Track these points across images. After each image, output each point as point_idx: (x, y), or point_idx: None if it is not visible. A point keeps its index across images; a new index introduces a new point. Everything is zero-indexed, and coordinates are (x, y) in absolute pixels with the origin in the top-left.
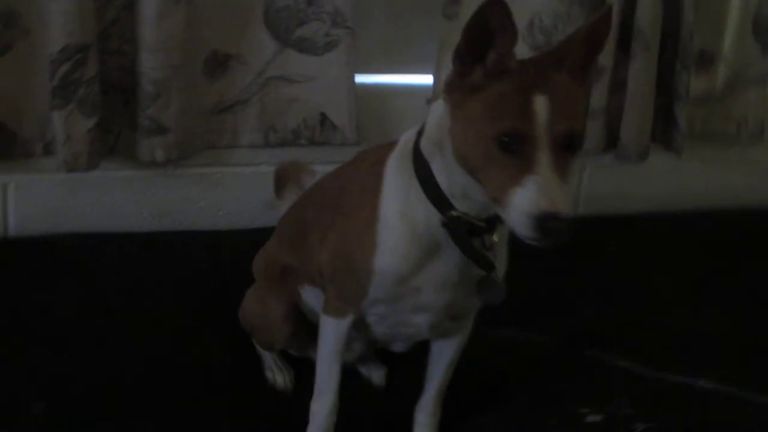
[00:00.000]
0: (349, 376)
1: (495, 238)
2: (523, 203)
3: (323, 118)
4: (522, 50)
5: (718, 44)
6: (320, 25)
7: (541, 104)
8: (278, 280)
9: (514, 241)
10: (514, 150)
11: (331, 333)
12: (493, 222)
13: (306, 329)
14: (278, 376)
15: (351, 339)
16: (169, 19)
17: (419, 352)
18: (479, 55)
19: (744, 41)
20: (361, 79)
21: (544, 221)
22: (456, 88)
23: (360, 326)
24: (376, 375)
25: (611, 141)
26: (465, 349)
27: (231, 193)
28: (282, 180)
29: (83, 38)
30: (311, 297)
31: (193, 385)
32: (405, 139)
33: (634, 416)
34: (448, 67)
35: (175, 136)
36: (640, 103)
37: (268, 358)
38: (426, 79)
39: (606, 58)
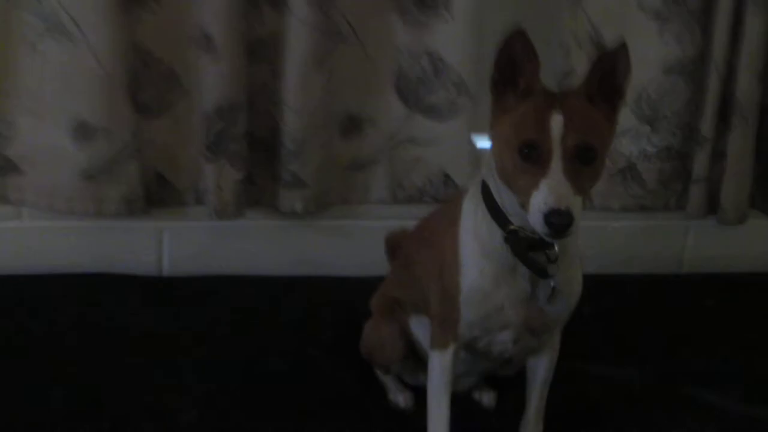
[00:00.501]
0: (462, 400)
1: (556, 249)
2: (538, 203)
3: (446, 177)
4: (629, 121)
5: None
6: (446, 93)
7: (556, 120)
8: (389, 310)
9: None
10: (533, 159)
11: (438, 365)
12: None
13: (416, 357)
14: (399, 396)
15: (460, 374)
16: (310, 85)
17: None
18: (511, 82)
19: None
20: (481, 141)
21: (551, 216)
22: (494, 112)
23: (465, 360)
24: (486, 398)
25: (713, 206)
26: (566, 377)
27: (361, 244)
28: (392, 247)
29: (235, 99)
30: (418, 327)
31: (329, 408)
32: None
33: None
34: None
35: (312, 190)
36: (739, 171)
37: (389, 382)
38: None
39: (707, 129)
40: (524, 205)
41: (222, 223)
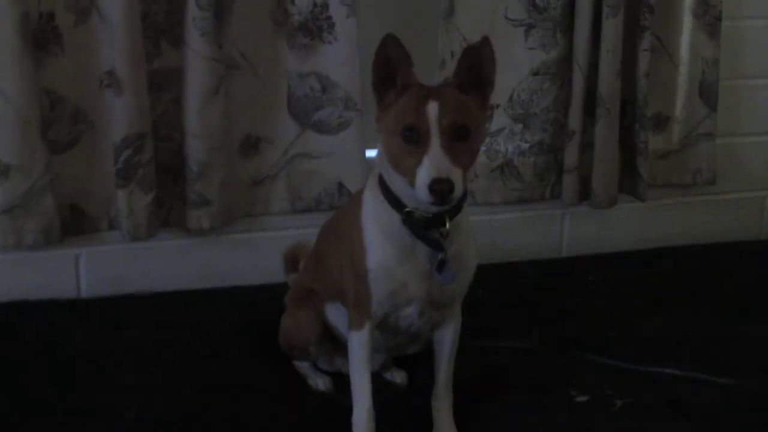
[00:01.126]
0: (376, 382)
1: (447, 227)
2: (422, 176)
3: (340, 186)
4: (503, 121)
5: (672, 107)
6: (334, 109)
7: (432, 106)
8: (304, 298)
9: None
10: (414, 140)
11: (357, 344)
12: (441, 215)
13: (333, 344)
14: (319, 380)
15: (373, 351)
16: (209, 110)
17: (431, 354)
18: (389, 82)
19: (693, 104)
20: (370, 152)
21: (434, 185)
22: (378, 109)
23: (377, 338)
24: (398, 376)
25: (585, 193)
26: (467, 353)
27: (266, 253)
28: (289, 261)
29: (141, 128)
30: (333, 313)
31: (252, 402)
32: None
33: (614, 395)
34: None
35: (217, 207)
36: (607, 160)
37: (307, 369)
38: None
39: (575, 123)
40: (412, 183)
41: (135, 245)
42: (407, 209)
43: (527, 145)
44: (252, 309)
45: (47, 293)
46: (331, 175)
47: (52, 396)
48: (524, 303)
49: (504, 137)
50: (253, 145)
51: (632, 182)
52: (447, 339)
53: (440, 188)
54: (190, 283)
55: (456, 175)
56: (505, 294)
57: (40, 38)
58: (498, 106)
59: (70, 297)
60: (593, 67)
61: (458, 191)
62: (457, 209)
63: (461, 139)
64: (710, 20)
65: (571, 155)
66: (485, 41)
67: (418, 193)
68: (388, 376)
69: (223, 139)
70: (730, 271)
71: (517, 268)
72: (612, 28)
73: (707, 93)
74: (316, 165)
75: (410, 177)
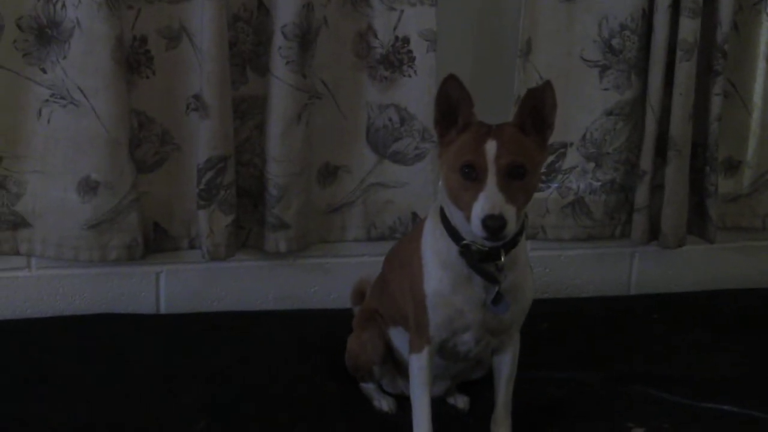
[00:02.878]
0: (439, 406)
1: (503, 260)
2: (476, 211)
3: (414, 215)
4: (576, 159)
5: (743, 152)
6: (411, 140)
7: (490, 145)
8: (369, 320)
9: None
10: (472, 177)
11: (417, 367)
12: (496, 250)
13: (396, 367)
14: (383, 401)
15: (435, 376)
16: (290, 137)
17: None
18: (451, 120)
19: (764, 149)
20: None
21: (487, 220)
22: (440, 146)
23: (438, 365)
24: (461, 401)
25: (654, 233)
26: (528, 382)
27: (340, 279)
28: (357, 294)
29: (224, 151)
30: (396, 337)
31: (318, 422)
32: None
33: (671, 429)
34: None
35: (295, 231)
36: (676, 201)
37: (372, 390)
38: None
39: (646, 163)
40: (468, 217)
41: (213, 265)
42: (464, 242)
43: (599, 183)
44: (323, 332)
45: (128, 307)
46: (405, 204)
47: (123, 408)
48: (588, 337)
49: (576, 175)
50: (331, 173)
51: (701, 224)
52: (505, 365)
53: (493, 224)
54: (264, 304)
55: (510, 212)
56: (570, 328)
57: (133, 61)
58: (571, 144)
59: (149, 312)
60: (666, 109)
61: (511, 228)
62: (513, 243)
63: (517, 177)
64: None
65: (641, 195)
66: (547, 84)
67: (473, 228)
68: (451, 400)
69: (302, 166)
70: None
71: (584, 304)
72: (685, 72)
73: None
74: (391, 194)
75: (467, 211)
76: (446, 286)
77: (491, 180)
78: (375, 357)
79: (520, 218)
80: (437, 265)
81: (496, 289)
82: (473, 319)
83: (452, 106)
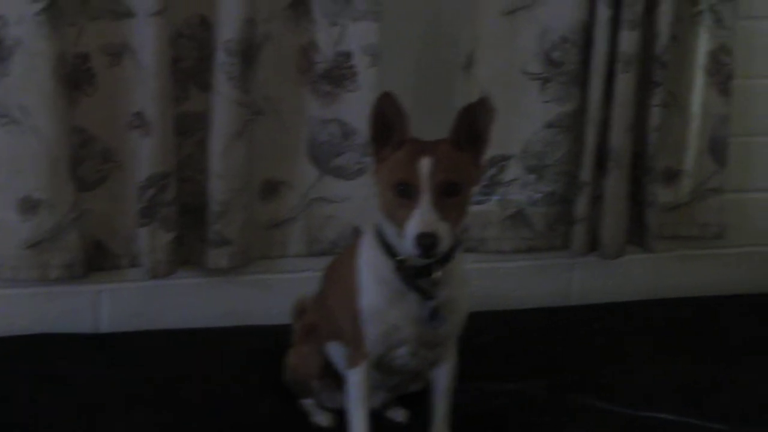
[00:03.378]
0: (378, 420)
1: (438, 275)
2: (410, 229)
3: (356, 230)
4: (517, 171)
5: (682, 162)
6: (353, 154)
7: (425, 162)
8: (308, 333)
9: None
10: (406, 194)
11: (353, 382)
12: (430, 265)
13: (335, 382)
14: (321, 416)
15: (373, 388)
16: (232, 153)
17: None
18: (386, 137)
19: (703, 159)
20: None
21: (420, 238)
22: (375, 162)
23: (376, 377)
24: (399, 415)
25: (594, 243)
26: (469, 395)
27: (281, 295)
28: (298, 311)
29: (165, 168)
30: (335, 351)
31: None
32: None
33: None
34: None
35: (236, 247)
36: (616, 212)
37: (310, 405)
38: None
39: (586, 175)
40: (401, 235)
41: (155, 282)
42: (399, 257)
43: (539, 195)
44: (265, 348)
45: (69, 327)
46: (347, 219)
47: (64, 429)
48: (530, 349)
49: (517, 187)
50: (273, 189)
51: (640, 234)
52: (443, 377)
53: (426, 242)
54: (207, 321)
55: (443, 229)
56: (512, 340)
57: (75, 78)
58: (512, 156)
59: (90, 331)
60: (605, 120)
61: (444, 245)
62: (448, 258)
63: (451, 195)
64: (722, 78)
65: (581, 206)
66: (483, 100)
67: (406, 245)
68: (389, 414)
69: (244, 182)
70: (734, 324)
71: (525, 316)
72: (624, 83)
73: (717, 148)
74: (333, 209)
75: (401, 228)
76: (381, 302)
77: (425, 198)
78: (314, 371)
79: (455, 234)
80: (373, 280)
81: (432, 304)
82: (409, 333)
83: (387, 123)
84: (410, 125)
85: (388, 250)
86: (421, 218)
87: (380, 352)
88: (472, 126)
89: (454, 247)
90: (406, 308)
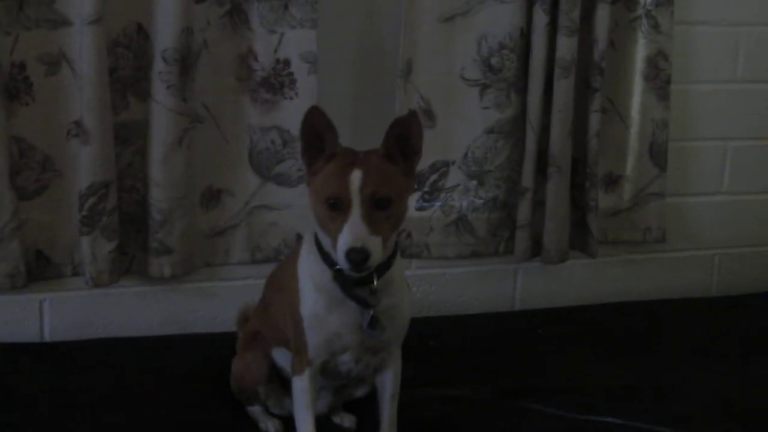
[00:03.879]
0: (325, 426)
1: (375, 284)
2: (340, 243)
3: (299, 237)
4: (458, 177)
5: (622, 167)
6: (294, 162)
7: (355, 175)
8: (251, 340)
9: None
10: (337, 208)
11: (299, 388)
12: (369, 274)
13: (282, 387)
14: (269, 423)
15: (318, 391)
16: (172, 161)
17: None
18: (318, 149)
19: (643, 164)
20: None
21: (350, 253)
22: (308, 174)
23: (321, 380)
24: (347, 420)
25: (537, 249)
26: (415, 401)
27: (225, 302)
28: (242, 320)
29: (106, 177)
30: (280, 357)
31: None
32: None
33: None
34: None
35: (179, 255)
36: (558, 217)
37: (258, 413)
38: None
39: (527, 180)
40: (334, 247)
41: (97, 291)
42: (337, 267)
43: (481, 201)
44: (210, 356)
45: (11, 337)
46: (289, 226)
47: None
48: (475, 354)
49: (458, 193)
50: (214, 197)
51: (583, 239)
52: (388, 382)
53: (355, 257)
54: (151, 329)
55: (374, 243)
56: (457, 345)
57: (12, 88)
58: (453, 162)
59: (33, 341)
60: (545, 126)
61: (375, 258)
62: (387, 266)
63: (382, 208)
64: (660, 83)
65: (523, 212)
66: (413, 114)
67: (338, 259)
68: (336, 420)
69: (185, 190)
70: (678, 327)
71: (470, 321)
72: (563, 89)
73: (657, 153)
74: (275, 216)
75: (333, 241)
76: (321, 309)
77: (355, 212)
78: (260, 377)
79: (389, 246)
80: (312, 288)
81: (371, 313)
82: (351, 340)
83: (318, 135)
84: (338, 137)
85: (326, 258)
86: (350, 233)
87: (323, 359)
88: (403, 138)
89: (392, 255)
90: (345, 316)
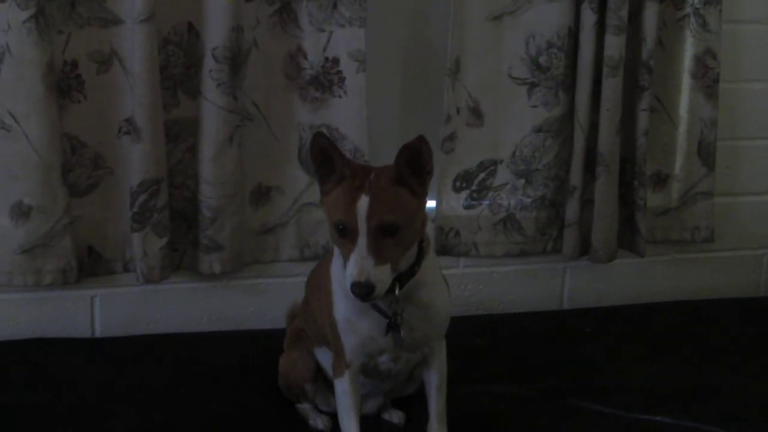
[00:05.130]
0: (375, 422)
1: (397, 293)
2: (347, 273)
3: None
4: (506, 176)
5: (671, 166)
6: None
7: (363, 203)
8: (296, 339)
9: None
10: (345, 234)
11: (340, 391)
12: (394, 282)
13: (328, 385)
14: (318, 420)
15: (367, 394)
16: (223, 159)
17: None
18: (330, 170)
19: (692, 163)
20: None
21: (354, 287)
22: (321, 193)
23: (367, 383)
24: (396, 416)
25: (585, 247)
26: (464, 396)
27: (274, 299)
28: (291, 316)
29: (157, 174)
30: (322, 357)
31: None
32: None
33: None
34: (448, 193)
35: (228, 252)
36: (606, 215)
37: (307, 410)
38: (429, 204)
39: (575, 179)
40: (344, 267)
41: (148, 287)
42: None
43: (529, 199)
44: (259, 352)
45: (63, 332)
46: None
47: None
48: (523, 352)
49: (507, 192)
50: (264, 194)
51: (631, 238)
52: (433, 376)
53: (359, 291)
54: (200, 325)
55: (380, 273)
56: (505, 343)
57: (64, 86)
58: (501, 161)
59: (84, 336)
60: (593, 125)
61: (381, 289)
62: (410, 274)
63: (390, 235)
64: (708, 82)
65: (571, 210)
66: (420, 138)
67: (346, 286)
68: (386, 416)
69: (235, 187)
70: (726, 327)
71: (518, 319)
72: (611, 88)
73: (705, 152)
74: (324, 214)
75: (344, 263)
76: (352, 314)
77: (362, 241)
78: (306, 375)
79: (410, 256)
80: (341, 293)
81: (388, 321)
82: (385, 342)
83: (327, 157)
84: (346, 158)
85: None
86: (355, 265)
87: (361, 361)
88: (414, 159)
89: (415, 262)
90: (375, 320)
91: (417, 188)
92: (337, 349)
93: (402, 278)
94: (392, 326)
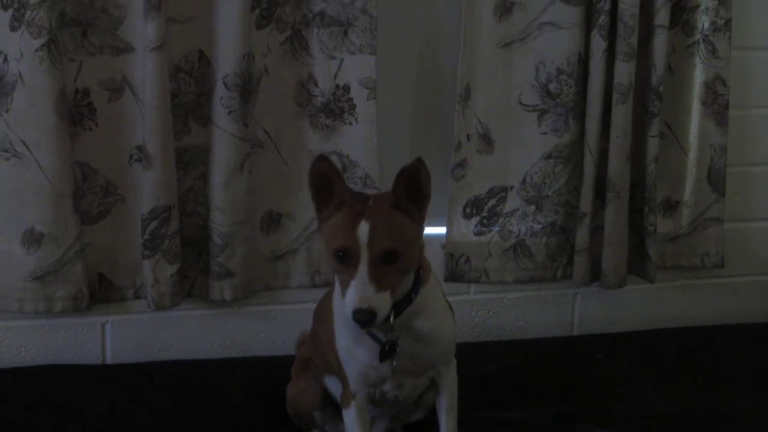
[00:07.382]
0: None
1: (392, 321)
2: (348, 301)
3: None
4: (516, 202)
5: (681, 192)
6: (353, 187)
7: (363, 229)
8: (306, 367)
9: None
10: (346, 261)
11: (348, 422)
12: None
13: (337, 412)
14: None
15: (374, 418)
16: (233, 186)
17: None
18: (328, 196)
19: (702, 189)
20: None
21: (355, 314)
22: (318, 219)
23: (373, 410)
24: None
25: (595, 273)
26: (474, 423)
27: (285, 326)
28: (302, 341)
29: (168, 201)
30: (332, 385)
31: None
32: None
33: None
34: (458, 219)
35: (239, 279)
36: (616, 241)
37: None
38: (440, 230)
39: (585, 205)
40: (343, 295)
41: (159, 314)
42: None
43: (539, 226)
44: (269, 379)
45: (74, 358)
46: None
47: None
48: (534, 379)
49: (517, 218)
50: (274, 221)
51: (641, 264)
52: (443, 400)
53: (360, 318)
54: (210, 352)
55: (381, 300)
56: (515, 370)
57: (76, 113)
58: (511, 188)
59: (95, 363)
60: (604, 151)
61: (381, 316)
62: (407, 301)
63: (390, 262)
64: (718, 108)
65: (581, 237)
66: (419, 161)
67: (346, 312)
68: None
69: (246, 214)
70: (737, 352)
71: (528, 346)
72: (621, 115)
73: (715, 178)
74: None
75: (343, 291)
76: (351, 343)
77: (363, 268)
78: (314, 402)
79: (406, 283)
80: (341, 322)
81: (380, 348)
82: (386, 371)
83: (326, 182)
84: (346, 184)
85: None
86: (356, 292)
87: (365, 391)
88: (412, 184)
89: (411, 290)
90: (372, 348)
91: (415, 213)
92: (342, 379)
93: (398, 305)
94: (385, 353)
